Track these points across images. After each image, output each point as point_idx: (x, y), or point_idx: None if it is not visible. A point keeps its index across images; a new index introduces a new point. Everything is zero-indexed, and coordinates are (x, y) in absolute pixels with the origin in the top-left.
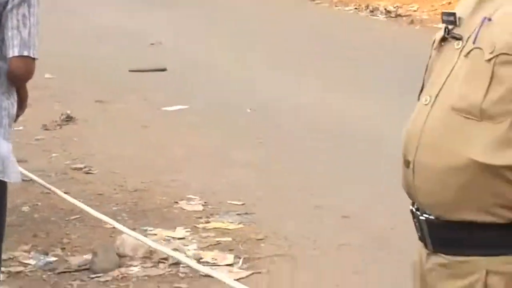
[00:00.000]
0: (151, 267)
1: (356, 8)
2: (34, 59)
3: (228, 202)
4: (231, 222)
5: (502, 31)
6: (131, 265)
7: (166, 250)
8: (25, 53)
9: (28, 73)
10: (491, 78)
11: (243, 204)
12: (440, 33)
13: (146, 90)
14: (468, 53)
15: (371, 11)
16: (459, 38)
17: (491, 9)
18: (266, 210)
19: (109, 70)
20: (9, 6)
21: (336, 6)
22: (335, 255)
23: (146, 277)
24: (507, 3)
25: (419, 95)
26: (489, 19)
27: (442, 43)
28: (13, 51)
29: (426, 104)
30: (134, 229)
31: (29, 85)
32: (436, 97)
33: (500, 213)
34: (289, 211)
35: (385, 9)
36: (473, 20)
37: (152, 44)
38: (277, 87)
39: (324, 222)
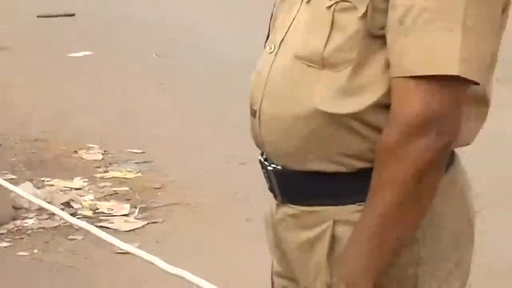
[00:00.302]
0: (46, 219)
1: None
2: None
3: (128, 150)
4: (130, 171)
5: None
6: (26, 217)
7: (39, 201)
8: None
9: None
10: (332, 25)
11: (143, 153)
12: None
13: (53, 36)
14: (309, 0)
15: None
16: None
17: None
18: (165, 158)
19: (14, 16)
20: None
21: None
22: (231, 203)
23: (42, 229)
24: None
25: (265, 43)
26: None
27: None
28: None
29: (270, 53)
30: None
31: None
32: (280, 45)
33: (346, 162)
34: (188, 160)
35: None
36: None
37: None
38: (188, 28)
39: (220, 170)
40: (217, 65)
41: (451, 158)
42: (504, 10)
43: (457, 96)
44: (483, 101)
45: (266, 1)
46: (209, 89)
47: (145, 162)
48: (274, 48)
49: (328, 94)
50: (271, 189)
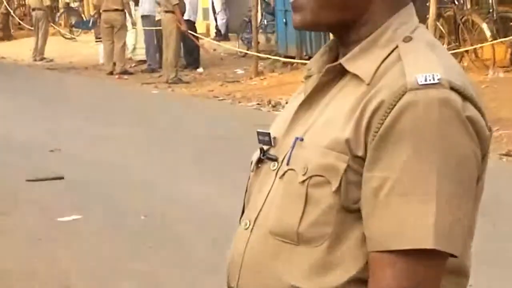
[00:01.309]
0: None
1: (258, 104)
2: None
3: None
4: None
5: (313, 152)
6: None
7: None
8: None
9: None
10: (306, 200)
11: None
12: (257, 154)
13: (42, 200)
14: (283, 175)
15: (273, 106)
16: (274, 159)
17: (304, 127)
18: None
19: (4, 180)
20: None
21: (239, 102)
22: None
23: None
24: (318, 122)
25: (240, 218)
26: (301, 139)
27: (259, 165)
28: None
29: (246, 229)
30: None
31: None
32: (255, 221)
33: None
34: None
35: (286, 102)
36: (287, 140)
37: (52, 151)
38: (174, 190)
39: None
40: (204, 224)
41: None
42: (478, 180)
43: (435, 270)
44: (462, 273)
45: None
46: (200, 246)
47: None
48: (249, 224)
49: (305, 271)
50: None
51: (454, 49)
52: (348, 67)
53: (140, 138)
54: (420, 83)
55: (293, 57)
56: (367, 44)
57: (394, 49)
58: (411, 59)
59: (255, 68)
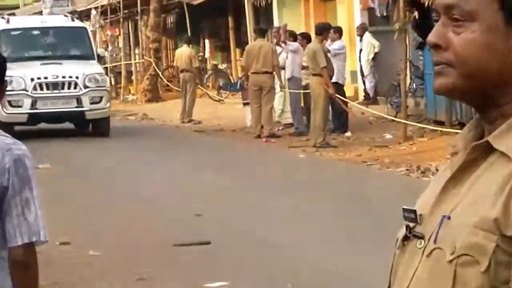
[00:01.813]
0: None
1: (407, 169)
2: (42, 242)
3: None
4: None
5: (460, 231)
6: None
7: None
8: (34, 239)
9: (35, 261)
10: (454, 280)
11: None
12: (402, 231)
13: (187, 265)
14: (430, 253)
15: (423, 172)
16: (421, 237)
17: (450, 205)
18: None
19: (149, 244)
20: (10, 192)
21: (387, 167)
22: None
23: None
24: (465, 201)
25: None
26: (448, 217)
27: (405, 242)
28: (21, 239)
29: None
30: None
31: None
32: None
33: None
34: None
35: (436, 169)
36: (433, 217)
37: (198, 215)
38: (322, 258)
39: None
40: None
41: None
42: None
43: None
44: None
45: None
46: None
47: None
48: None
49: None
50: None
51: None
52: (495, 144)
53: (287, 203)
54: None
55: (443, 122)
56: None
57: None
58: None
59: (404, 133)
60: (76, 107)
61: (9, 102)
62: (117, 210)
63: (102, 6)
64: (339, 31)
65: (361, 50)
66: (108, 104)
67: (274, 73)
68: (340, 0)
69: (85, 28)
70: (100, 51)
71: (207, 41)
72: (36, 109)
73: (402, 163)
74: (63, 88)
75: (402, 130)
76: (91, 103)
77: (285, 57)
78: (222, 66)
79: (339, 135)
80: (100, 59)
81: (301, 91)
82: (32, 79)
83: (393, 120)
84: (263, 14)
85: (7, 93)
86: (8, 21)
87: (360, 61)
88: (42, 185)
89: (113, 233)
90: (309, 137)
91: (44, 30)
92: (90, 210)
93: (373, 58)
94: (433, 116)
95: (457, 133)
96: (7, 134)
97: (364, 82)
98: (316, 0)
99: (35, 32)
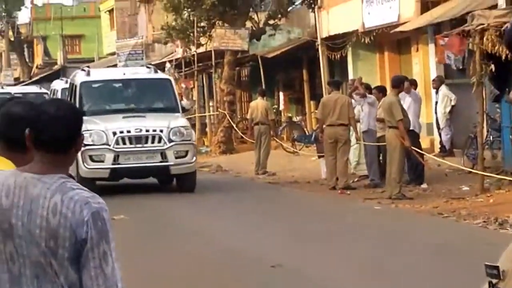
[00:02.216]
0: None
1: (484, 221)
2: None
3: None
4: None
5: None
6: None
7: None
8: None
9: None
10: None
11: None
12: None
13: None
14: None
15: (500, 224)
16: None
17: None
18: None
19: None
20: (88, 245)
21: (464, 219)
22: None
23: None
24: None
25: None
26: None
27: None
28: None
29: None
30: None
31: None
32: None
33: None
34: None
35: None
36: None
37: (273, 266)
38: None
39: None
40: None
41: None
42: None
43: None
44: None
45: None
46: None
47: None
48: None
49: None
50: None
51: None
52: None
53: (361, 254)
54: None
55: None
56: None
57: None
58: None
59: (480, 185)
60: (161, 161)
61: (90, 156)
62: (193, 260)
63: (176, 59)
64: (414, 84)
65: (436, 102)
66: (194, 159)
67: (349, 125)
68: (415, 53)
69: (170, 79)
70: (185, 103)
71: (281, 94)
72: (119, 164)
73: (479, 215)
74: (146, 142)
75: (479, 182)
76: (176, 157)
77: (359, 109)
78: (296, 119)
79: (415, 187)
80: (185, 112)
81: (377, 143)
82: (114, 133)
83: (470, 172)
84: (338, 67)
85: (88, 147)
86: (88, 74)
87: (436, 113)
88: (118, 236)
89: (187, 284)
90: (385, 189)
91: (126, 82)
92: (166, 262)
93: (449, 111)
94: (511, 168)
95: None
96: (85, 188)
97: (440, 135)
98: (391, 53)
99: (117, 85)
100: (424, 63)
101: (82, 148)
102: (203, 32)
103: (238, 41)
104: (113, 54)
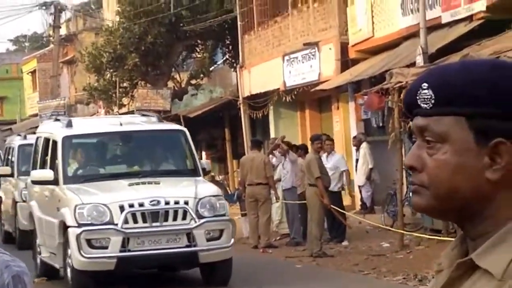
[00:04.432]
0: None
1: (404, 278)
2: None
3: None
4: None
5: None
6: None
7: None
8: None
9: None
10: None
11: None
12: None
13: None
14: None
15: (420, 280)
16: None
17: None
18: None
19: None
20: None
21: (384, 276)
22: None
23: None
24: None
25: None
26: None
27: None
28: None
29: None
30: None
31: None
32: None
33: None
34: None
35: (433, 277)
36: None
37: None
38: None
39: None
40: None
41: None
42: None
43: None
44: None
45: None
46: None
47: None
48: None
49: None
50: None
51: None
52: (479, 262)
53: None
54: None
55: (440, 231)
56: (499, 238)
57: None
58: None
59: (400, 241)
60: (187, 246)
61: (89, 241)
62: None
63: None
64: (332, 140)
65: (357, 160)
66: (231, 241)
67: (269, 184)
68: (336, 111)
69: (184, 131)
70: (205, 163)
71: (203, 153)
72: (129, 250)
73: (399, 271)
74: (166, 219)
75: (399, 238)
76: (208, 240)
77: (281, 167)
78: (219, 178)
79: (336, 245)
80: (207, 175)
81: (298, 201)
82: (122, 207)
83: (390, 230)
84: (260, 125)
85: (85, 228)
86: (69, 125)
87: (356, 171)
88: None
89: None
90: (306, 247)
91: (126, 136)
92: None
93: (370, 169)
94: (430, 225)
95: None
96: (5, 251)
97: (360, 191)
98: (312, 112)
99: (113, 139)
100: (344, 120)
101: (77, 230)
102: (125, 92)
103: (160, 101)
104: (35, 115)
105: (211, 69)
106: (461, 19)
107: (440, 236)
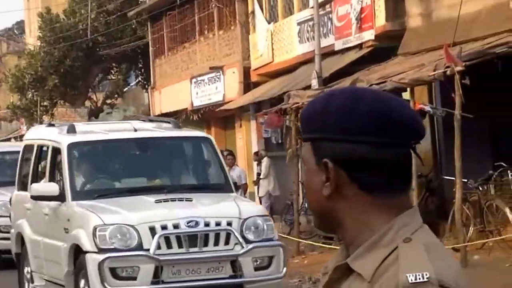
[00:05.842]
0: None
1: (300, 280)
2: None
3: None
4: None
5: None
6: None
7: None
8: None
9: None
10: None
11: None
12: None
13: None
14: None
15: (314, 282)
16: None
17: None
18: None
19: None
20: None
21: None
22: None
23: None
24: None
25: None
26: None
27: None
28: None
29: None
30: None
31: None
32: None
33: None
34: None
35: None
36: None
37: None
38: None
39: None
40: None
41: None
42: None
43: None
44: None
45: None
46: None
47: None
48: None
49: None
50: None
51: (480, 231)
52: (353, 266)
53: None
54: (410, 281)
55: (332, 237)
56: (370, 245)
57: (395, 249)
58: (407, 259)
59: (297, 248)
60: (231, 276)
61: (113, 270)
62: None
63: (21, 136)
64: (233, 155)
65: (258, 173)
66: (284, 270)
67: None
68: (239, 129)
69: (210, 139)
70: (237, 174)
71: None
72: (163, 282)
73: (295, 274)
74: (206, 244)
75: (295, 245)
76: (256, 269)
77: None
78: None
79: None
80: (238, 190)
81: None
82: (153, 229)
83: (287, 238)
84: None
85: (109, 255)
86: (71, 130)
87: (258, 183)
88: None
89: None
90: None
91: (143, 144)
92: None
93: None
94: (323, 233)
95: None
96: None
97: (260, 202)
98: (217, 129)
99: (128, 148)
100: (246, 138)
101: (98, 257)
102: (46, 110)
103: (78, 119)
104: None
105: (125, 90)
106: (352, 46)
107: (331, 244)
